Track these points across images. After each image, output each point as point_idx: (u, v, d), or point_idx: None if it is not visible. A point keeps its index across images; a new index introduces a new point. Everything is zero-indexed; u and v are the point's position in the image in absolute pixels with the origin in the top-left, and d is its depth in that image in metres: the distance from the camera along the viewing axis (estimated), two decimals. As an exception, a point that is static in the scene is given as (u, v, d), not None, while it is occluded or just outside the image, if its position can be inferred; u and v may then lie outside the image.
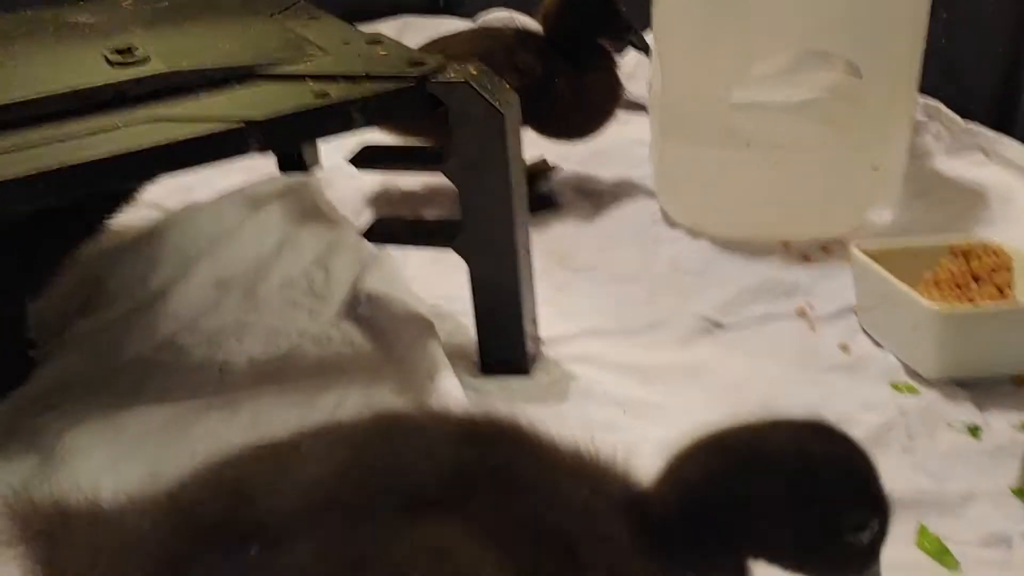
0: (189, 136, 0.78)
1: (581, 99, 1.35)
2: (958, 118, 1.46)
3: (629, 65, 1.93)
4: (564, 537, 0.45)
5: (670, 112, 1.29)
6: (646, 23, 1.33)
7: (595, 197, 1.48)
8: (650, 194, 1.46)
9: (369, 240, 1.02)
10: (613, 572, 0.45)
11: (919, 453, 0.85)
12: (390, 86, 0.86)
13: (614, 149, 1.67)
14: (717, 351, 1.05)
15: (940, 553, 0.74)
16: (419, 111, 0.89)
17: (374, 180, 1.50)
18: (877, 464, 0.52)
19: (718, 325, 1.09)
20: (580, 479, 0.48)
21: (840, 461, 0.50)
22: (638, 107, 1.82)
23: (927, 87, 1.50)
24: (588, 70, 1.35)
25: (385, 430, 0.50)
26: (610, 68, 1.38)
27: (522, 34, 1.37)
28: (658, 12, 1.30)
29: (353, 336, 1.06)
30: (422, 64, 0.90)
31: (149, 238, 1.16)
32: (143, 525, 0.44)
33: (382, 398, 0.97)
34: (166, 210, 1.27)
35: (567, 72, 1.33)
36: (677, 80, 1.26)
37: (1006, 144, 1.37)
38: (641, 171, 1.54)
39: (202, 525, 0.43)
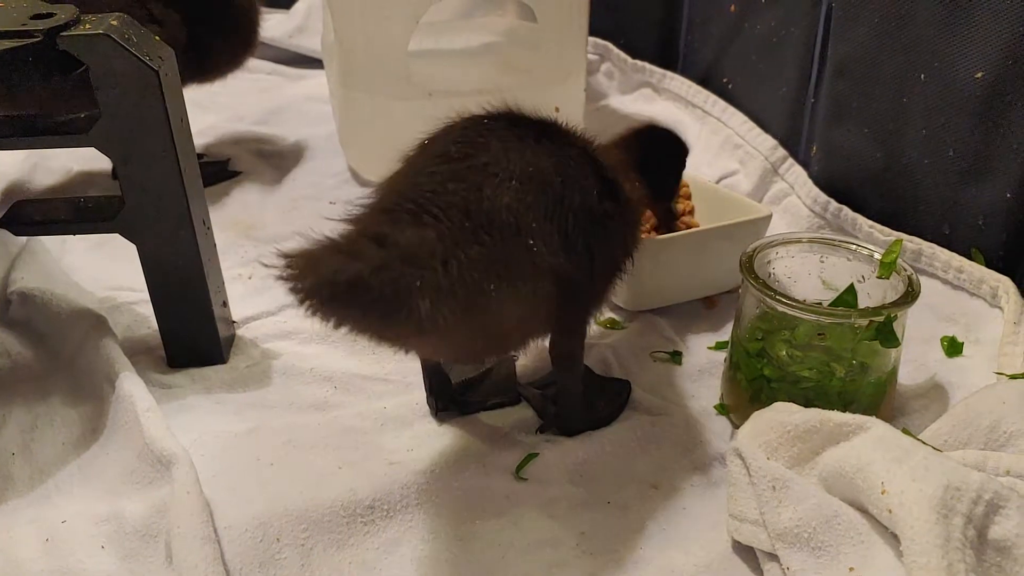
0: None
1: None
2: (627, 56, 1.52)
3: (299, 16, 1.83)
4: None
5: (348, 64, 1.21)
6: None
7: (277, 160, 1.38)
8: (336, 152, 1.39)
9: (11, 230, 0.86)
10: None
11: (634, 389, 0.86)
12: (9, 44, 0.72)
13: (291, 107, 1.57)
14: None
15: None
16: (52, 72, 0.75)
17: (14, 158, 1.30)
18: None
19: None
20: None
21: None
22: (312, 61, 1.74)
23: (597, 29, 1.55)
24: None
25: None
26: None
27: None
28: (324, -43, 1.22)
29: (8, 344, 0.90)
30: (49, 16, 0.76)
31: None
32: None
33: (53, 410, 0.83)
34: None
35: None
36: (351, 30, 1.19)
37: (671, 79, 1.44)
38: (323, 129, 1.46)
39: None
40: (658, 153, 0.88)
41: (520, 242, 0.62)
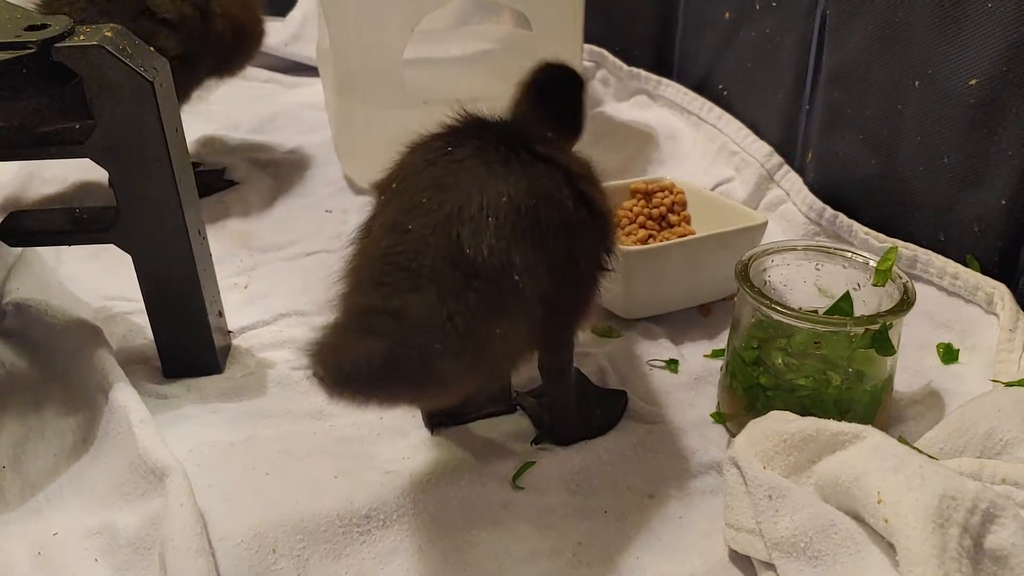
0: None
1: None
2: (623, 64, 1.52)
3: (295, 24, 1.83)
4: None
5: (343, 72, 1.22)
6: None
7: (273, 168, 1.38)
8: (332, 160, 1.39)
9: (6, 241, 0.86)
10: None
11: (630, 398, 0.86)
12: (3, 55, 0.72)
13: (286, 115, 1.57)
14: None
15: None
16: (46, 84, 0.75)
17: (9, 169, 1.30)
18: None
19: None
20: None
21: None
22: (308, 69, 1.74)
23: (592, 36, 1.55)
24: None
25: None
26: None
27: None
28: (319, -35, 1.22)
29: (2, 355, 0.90)
30: (43, 27, 0.76)
31: None
32: None
33: (45, 422, 0.83)
34: None
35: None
36: (347, 38, 1.19)
37: (666, 86, 1.44)
38: (319, 137, 1.46)
39: None
40: (558, 93, 0.83)
41: (508, 278, 0.62)
